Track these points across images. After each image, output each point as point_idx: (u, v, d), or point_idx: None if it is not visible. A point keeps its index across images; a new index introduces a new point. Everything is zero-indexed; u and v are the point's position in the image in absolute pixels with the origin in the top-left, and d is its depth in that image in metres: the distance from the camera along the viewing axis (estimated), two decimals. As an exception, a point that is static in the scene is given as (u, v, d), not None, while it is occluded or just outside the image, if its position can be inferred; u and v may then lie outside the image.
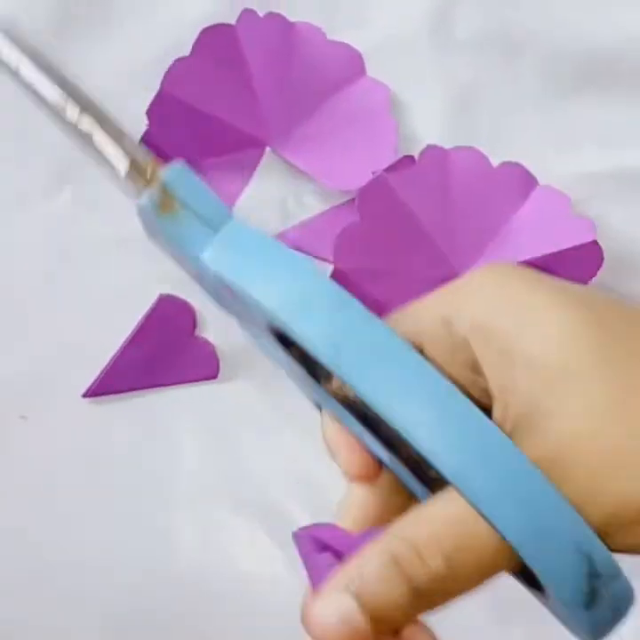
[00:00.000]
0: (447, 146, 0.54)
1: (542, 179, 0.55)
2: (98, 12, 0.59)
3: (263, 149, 0.57)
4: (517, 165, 0.55)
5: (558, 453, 0.26)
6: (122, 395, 0.53)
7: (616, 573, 0.26)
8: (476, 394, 0.29)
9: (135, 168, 0.30)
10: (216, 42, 0.55)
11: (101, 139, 0.30)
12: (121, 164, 0.30)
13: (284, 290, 0.27)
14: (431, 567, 0.26)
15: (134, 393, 0.53)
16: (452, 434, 0.26)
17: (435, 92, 0.58)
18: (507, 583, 0.28)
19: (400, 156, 0.53)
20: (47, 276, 0.55)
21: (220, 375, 0.54)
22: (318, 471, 0.52)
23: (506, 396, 0.27)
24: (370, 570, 0.26)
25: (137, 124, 0.55)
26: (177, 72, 0.55)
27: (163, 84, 0.54)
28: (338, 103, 0.57)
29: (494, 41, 0.58)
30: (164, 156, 0.55)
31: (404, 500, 0.33)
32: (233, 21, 0.55)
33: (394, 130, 0.56)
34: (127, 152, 0.30)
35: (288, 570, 0.52)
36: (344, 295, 0.27)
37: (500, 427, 0.27)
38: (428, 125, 0.57)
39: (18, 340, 0.54)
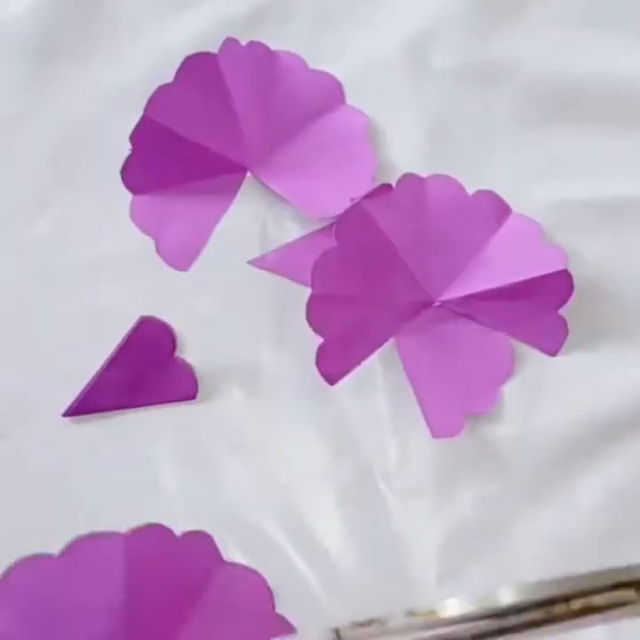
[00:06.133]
0: (424, 174, 0.55)
1: (516, 207, 0.56)
2: (82, 37, 0.60)
3: (244, 174, 0.58)
4: (491, 194, 0.56)
5: None
6: (102, 414, 0.54)
7: None
8: None
9: None
10: (199, 69, 0.56)
11: None
12: None
13: None
14: None
15: (114, 412, 0.54)
16: None
17: (412, 121, 0.59)
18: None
19: (378, 183, 0.54)
20: (29, 296, 0.56)
21: (198, 396, 0.54)
22: (296, 492, 0.53)
23: None
24: None
25: (121, 149, 0.56)
26: (160, 98, 0.56)
27: (146, 109, 0.55)
28: (317, 130, 0.58)
29: (470, 71, 0.60)
30: (147, 180, 0.57)
31: None
32: (216, 49, 0.56)
33: (372, 157, 0.57)
34: None
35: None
36: None
37: None
38: (405, 153, 0.58)
39: (-2, 359, 0.55)
